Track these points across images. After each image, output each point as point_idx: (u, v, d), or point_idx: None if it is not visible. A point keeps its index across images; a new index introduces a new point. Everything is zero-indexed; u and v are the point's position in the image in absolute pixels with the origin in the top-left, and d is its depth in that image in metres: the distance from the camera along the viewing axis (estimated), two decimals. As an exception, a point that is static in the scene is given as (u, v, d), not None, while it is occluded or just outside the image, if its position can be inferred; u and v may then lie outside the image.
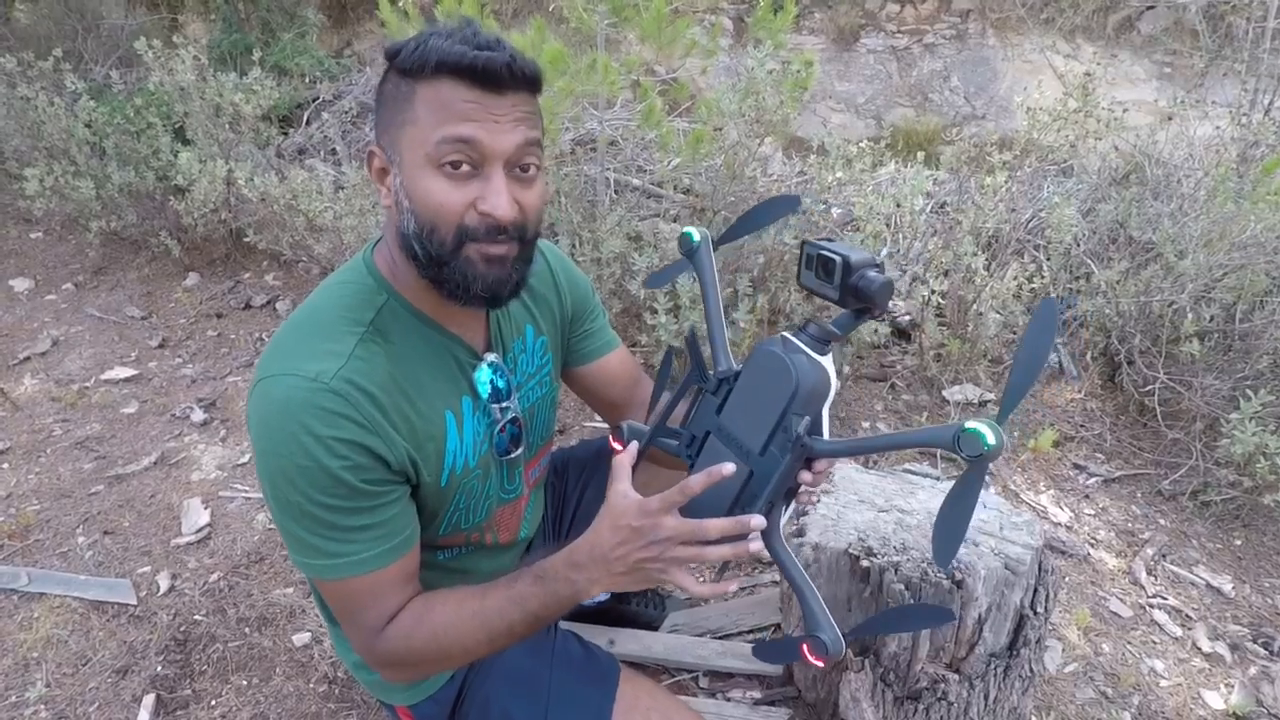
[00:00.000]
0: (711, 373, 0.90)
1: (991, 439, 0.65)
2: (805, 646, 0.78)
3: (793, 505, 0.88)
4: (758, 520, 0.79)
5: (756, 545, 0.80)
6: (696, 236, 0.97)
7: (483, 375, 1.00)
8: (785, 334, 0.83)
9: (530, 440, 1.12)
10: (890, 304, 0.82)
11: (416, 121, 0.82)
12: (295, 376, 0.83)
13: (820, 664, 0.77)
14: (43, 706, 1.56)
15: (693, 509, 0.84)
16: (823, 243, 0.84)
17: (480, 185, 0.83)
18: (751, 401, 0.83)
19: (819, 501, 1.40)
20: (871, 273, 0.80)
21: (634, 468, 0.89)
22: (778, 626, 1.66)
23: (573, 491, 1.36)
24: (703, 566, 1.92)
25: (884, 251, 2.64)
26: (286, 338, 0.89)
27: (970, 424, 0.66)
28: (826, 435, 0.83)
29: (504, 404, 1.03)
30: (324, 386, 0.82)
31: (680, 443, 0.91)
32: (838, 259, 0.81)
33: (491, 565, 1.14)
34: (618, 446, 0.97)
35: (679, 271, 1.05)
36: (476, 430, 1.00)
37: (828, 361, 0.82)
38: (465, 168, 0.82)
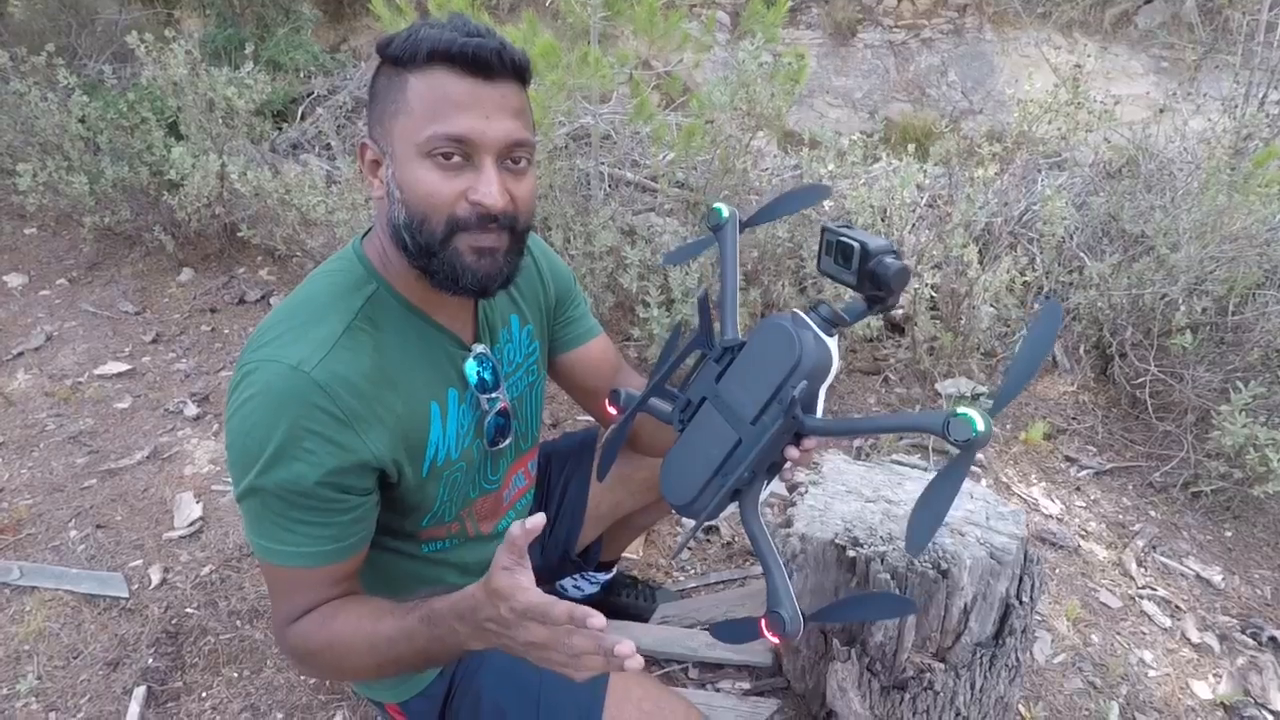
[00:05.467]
0: (718, 341, 0.91)
1: (981, 425, 0.66)
2: (764, 622, 0.78)
3: (774, 481, 0.88)
4: (597, 620, 0.68)
5: (632, 663, 0.69)
6: (725, 213, 0.98)
7: (471, 367, 1.00)
8: (796, 310, 0.84)
9: (519, 429, 1.12)
10: (904, 292, 0.82)
11: (409, 112, 0.82)
12: (277, 363, 0.83)
13: (777, 640, 0.78)
14: (34, 699, 1.56)
15: (681, 469, 0.86)
16: (842, 228, 0.85)
17: (471, 176, 0.84)
18: (752, 371, 0.84)
19: (806, 493, 1.40)
20: (889, 259, 0.81)
21: (612, 457, 0.89)
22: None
23: (556, 484, 1.36)
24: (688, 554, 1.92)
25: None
26: (274, 324, 0.88)
27: (962, 409, 0.67)
28: (820, 416, 0.84)
29: (491, 394, 1.03)
30: (305, 375, 0.82)
31: (675, 407, 0.92)
32: (856, 245, 0.82)
33: (475, 556, 1.14)
34: (613, 411, 0.98)
35: (701, 249, 1.06)
36: (461, 422, 1.00)
37: (833, 343, 0.83)
38: (456, 159, 0.83)
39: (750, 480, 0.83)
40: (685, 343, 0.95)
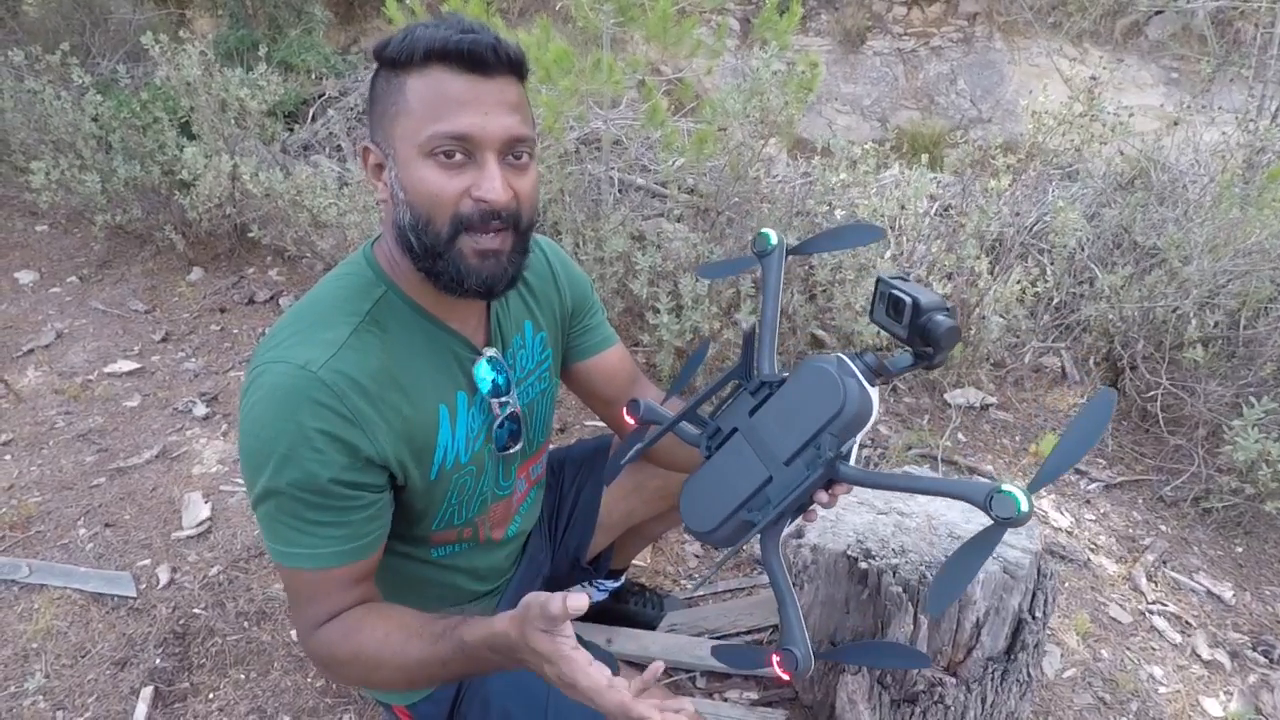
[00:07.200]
0: (755, 374, 0.90)
1: (1024, 505, 0.66)
2: (776, 658, 0.78)
3: (797, 521, 0.88)
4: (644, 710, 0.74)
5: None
6: (774, 240, 0.96)
7: (481, 370, 1.00)
8: (841, 355, 0.84)
9: (529, 436, 1.12)
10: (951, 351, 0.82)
11: (409, 113, 0.83)
12: (285, 364, 0.84)
13: (786, 677, 0.77)
14: (41, 697, 1.56)
15: (705, 497, 0.85)
16: (896, 281, 0.84)
17: (474, 173, 0.84)
18: (791, 411, 0.83)
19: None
20: (940, 316, 0.80)
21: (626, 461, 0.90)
22: (775, 628, 1.66)
23: (569, 490, 1.36)
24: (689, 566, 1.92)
25: (888, 254, 2.63)
26: (283, 327, 0.89)
27: (1007, 486, 0.66)
28: (852, 463, 0.84)
29: (503, 399, 1.03)
30: (311, 375, 0.83)
31: (704, 433, 0.92)
32: (908, 300, 0.81)
33: (486, 562, 1.14)
34: (631, 420, 0.98)
35: (740, 268, 1.06)
36: (470, 426, 1.00)
37: (874, 394, 0.82)
38: (458, 157, 0.83)
39: (776, 520, 0.83)
40: (723, 375, 0.94)
